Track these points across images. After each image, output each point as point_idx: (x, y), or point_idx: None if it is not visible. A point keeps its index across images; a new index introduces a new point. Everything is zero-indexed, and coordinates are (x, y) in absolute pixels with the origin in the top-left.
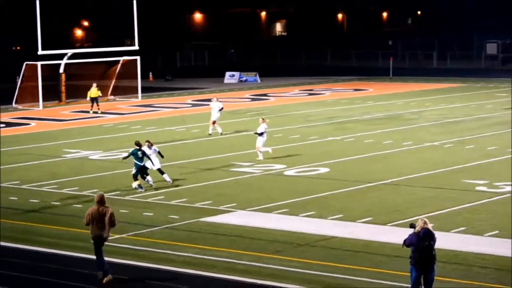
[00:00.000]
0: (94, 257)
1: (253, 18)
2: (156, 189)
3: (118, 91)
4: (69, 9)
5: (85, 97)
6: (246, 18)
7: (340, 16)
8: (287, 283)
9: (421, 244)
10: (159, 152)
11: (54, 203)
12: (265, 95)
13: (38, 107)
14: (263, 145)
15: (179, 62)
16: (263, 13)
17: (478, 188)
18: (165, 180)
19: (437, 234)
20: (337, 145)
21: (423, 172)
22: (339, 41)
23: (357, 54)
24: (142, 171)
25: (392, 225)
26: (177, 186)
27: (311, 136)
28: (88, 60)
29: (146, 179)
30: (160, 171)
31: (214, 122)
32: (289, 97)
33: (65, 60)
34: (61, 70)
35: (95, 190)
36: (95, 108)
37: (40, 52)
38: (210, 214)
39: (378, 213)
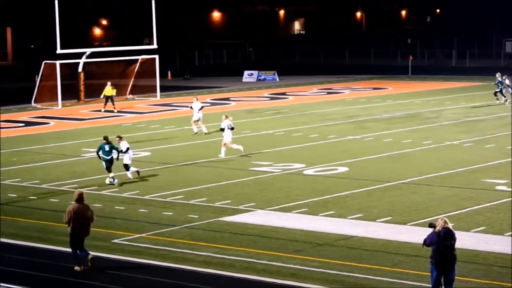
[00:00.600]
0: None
1: (271, 17)
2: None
3: (137, 90)
4: (88, 8)
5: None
6: (264, 16)
7: (359, 14)
8: (306, 282)
9: (442, 243)
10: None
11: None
12: (283, 94)
13: (57, 106)
14: (231, 141)
15: (198, 61)
16: (282, 12)
17: (498, 187)
18: (127, 177)
19: (457, 233)
20: (356, 144)
21: (443, 172)
22: (358, 40)
23: (376, 52)
24: (110, 164)
25: (412, 225)
26: (196, 185)
27: (330, 135)
28: (107, 59)
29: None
30: (126, 166)
31: (196, 121)
32: (308, 96)
33: (83, 59)
34: (80, 69)
35: (115, 190)
36: (110, 107)
37: (58, 51)
38: (230, 214)
39: (397, 212)
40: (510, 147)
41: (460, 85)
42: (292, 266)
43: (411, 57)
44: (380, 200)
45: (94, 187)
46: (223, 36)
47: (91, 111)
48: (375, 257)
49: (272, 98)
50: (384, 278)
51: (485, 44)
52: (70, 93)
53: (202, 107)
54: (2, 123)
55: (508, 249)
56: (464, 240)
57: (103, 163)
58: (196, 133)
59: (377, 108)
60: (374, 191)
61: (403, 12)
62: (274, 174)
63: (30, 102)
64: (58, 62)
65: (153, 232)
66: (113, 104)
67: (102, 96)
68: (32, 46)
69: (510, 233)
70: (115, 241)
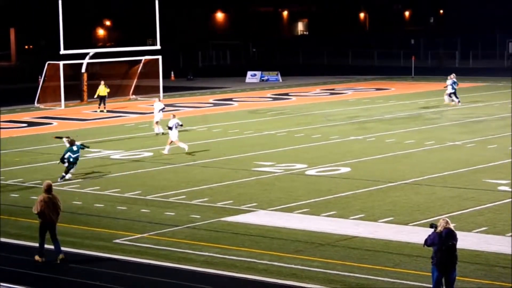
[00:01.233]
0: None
1: (275, 17)
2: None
3: (140, 90)
4: (92, 8)
5: (107, 97)
6: (268, 17)
7: (362, 15)
8: (308, 283)
9: (444, 244)
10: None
11: (76, 202)
12: (286, 94)
13: (60, 107)
14: (177, 139)
15: (201, 62)
16: (285, 12)
17: (500, 188)
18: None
19: (459, 234)
20: (358, 144)
21: (445, 172)
22: (361, 40)
23: (379, 53)
24: (75, 164)
25: (413, 225)
26: (198, 186)
27: (333, 135)
28: (110, 60)
29: (70, 171)
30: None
31: (157, 122)
32: (310, 96)
33: (87, 60)
34: (83, 69)
35: (117, 190)
36: (101, 107)
37: (62, 51)
38: (231, 214)
39: (399, 213)
40: None
41: (463, 85)
42: (293, 266)
43: (414, 58)
44: (382, 200)
45: (97, 187)
46: (226, 37)
47: (94, 112)
48: (377, 258)
49: (274, 99)
50: (386, 278)
51: (489, 45)
52: (73, 94)
53: (163, 108)
54: (5, 123)
55: (509, 249)
56: (466, 241)
57: (67, 164)
58: (158, 134)
59: (379, 108)
60: (376, 192)
61: (407, 13)
62: (276, 174)
63: (33, 103)
64: (61, 63)
65: (155, 232)
66: (104, 105)
67: (96, 96)
68: (31, 47)
69: (511, 234)
70: (117, 241)
